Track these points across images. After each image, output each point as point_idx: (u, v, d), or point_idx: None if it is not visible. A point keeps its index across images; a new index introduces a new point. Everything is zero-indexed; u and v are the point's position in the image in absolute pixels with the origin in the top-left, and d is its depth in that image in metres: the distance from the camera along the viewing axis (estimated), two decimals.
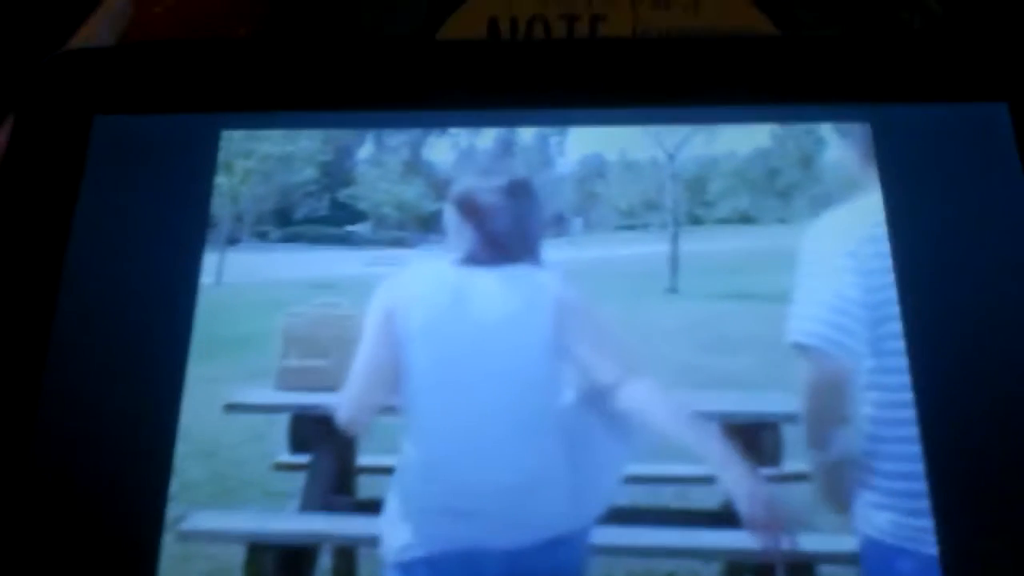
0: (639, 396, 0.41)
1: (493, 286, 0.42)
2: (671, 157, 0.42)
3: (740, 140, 0.42)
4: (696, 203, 0.43)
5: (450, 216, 0.43)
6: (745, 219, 0.42)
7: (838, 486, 0.41)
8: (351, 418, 0.41)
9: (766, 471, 0.40)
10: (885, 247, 0.39)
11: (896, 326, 0.39)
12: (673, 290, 0.44)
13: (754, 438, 0.41)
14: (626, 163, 0.43)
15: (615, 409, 0.41)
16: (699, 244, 0.43)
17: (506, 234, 0.43)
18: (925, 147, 0.40)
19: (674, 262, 0.44)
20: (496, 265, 0.43)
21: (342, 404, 0.41)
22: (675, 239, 0.43)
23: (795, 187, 0.41)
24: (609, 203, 0.44)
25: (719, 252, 0.43)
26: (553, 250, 0.42)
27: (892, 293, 0.39)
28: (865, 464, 0.39)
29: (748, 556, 0.41)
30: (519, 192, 0.43)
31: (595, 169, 0.44)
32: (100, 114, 0.42)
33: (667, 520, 0.40)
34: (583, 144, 0.43)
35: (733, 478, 0.39)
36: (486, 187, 0.43)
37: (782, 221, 0.41)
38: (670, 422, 0.41)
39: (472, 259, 0.43)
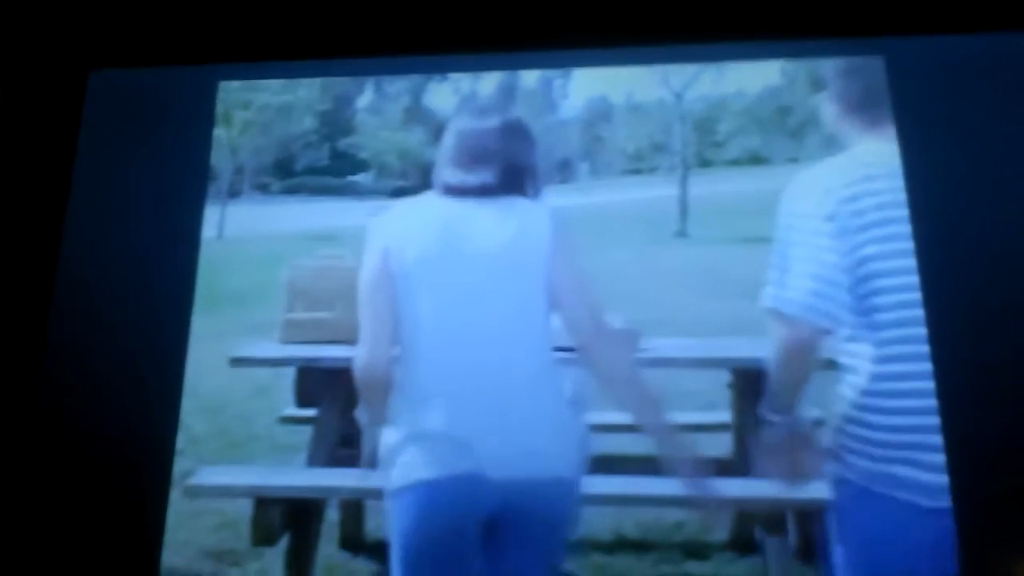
0: (599, 356, 0.43)
1: (487, 216, 0.43)
2: (679, 97, 0.41)
3: (750, 78, 0.40)
4: (706, 144, 0.42)
5: (443, 154, 0.43)
6: (756, 159, 0.41)
7: (802, 461, 0.41)
8: (367, 365, 0.41)
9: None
10: (863, 204, 0.39)
11: (880, 282, 0.39)
12: (682, 234, 0.43)
13: (756, 384, 0.41)
14: (632, 105, 0.42)
15: (585, 363, 0.43)
16: (709, 187, 0.42)
17: (499, 171, 0.43)
18: (943, 81, 0.39)
19: (683, 206, 0.43)
20: (488, 197, 0.43)
21: (358, 353, 0.41)
22: (684, 182, 0.42)
23: (807, 125, 0.40)
24: (615, 147, 0.43)
25: (729, 194, 0.42)
26: (559, 196, 0.42)
27: (873, 249, 0.39)
28: (850, 415, 0.40)
29: (759, 504, 0.40)
30: (512, 131, 0.43)
31: (601, 112, 0.43)
32: (95, 69, 0.42)
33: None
34: (587, 87, 0.42)
35: (676, 461, 0.41)
36: (480, 127, 0.43)
37: (794, 160, 0.40)
38: (627, 393, 0.42)
39: (463, 192, 0.43)
